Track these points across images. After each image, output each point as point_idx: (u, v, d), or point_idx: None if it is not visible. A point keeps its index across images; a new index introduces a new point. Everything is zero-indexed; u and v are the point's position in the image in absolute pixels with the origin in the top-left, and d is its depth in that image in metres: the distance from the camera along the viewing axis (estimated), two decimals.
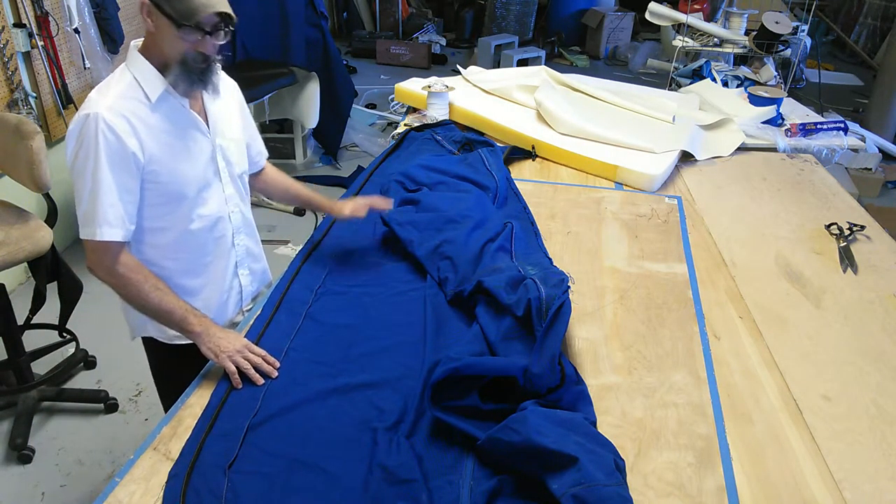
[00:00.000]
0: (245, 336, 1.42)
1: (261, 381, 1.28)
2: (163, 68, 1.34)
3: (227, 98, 1.52)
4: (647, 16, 4.28)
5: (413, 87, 2.87)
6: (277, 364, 1.32)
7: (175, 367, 1.51)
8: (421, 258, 1.70)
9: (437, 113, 2.69)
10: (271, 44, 4.12)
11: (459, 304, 1.56)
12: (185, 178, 1.40)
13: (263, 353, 1.32)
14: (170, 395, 1.39)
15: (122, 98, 1.31)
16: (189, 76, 1.33)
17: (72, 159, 1.32)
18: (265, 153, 1.72)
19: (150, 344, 1.60)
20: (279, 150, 4.47)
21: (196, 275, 1.51)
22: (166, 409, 1.58)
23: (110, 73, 1.37)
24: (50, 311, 2.35)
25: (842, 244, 1.94)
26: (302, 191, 1.76)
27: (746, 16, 3.97)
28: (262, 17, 4.07)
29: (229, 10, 1.29)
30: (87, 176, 1.29)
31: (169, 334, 1.52)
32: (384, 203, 1.72)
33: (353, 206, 1.67)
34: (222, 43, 1.35)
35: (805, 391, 1.39)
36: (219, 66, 1.40)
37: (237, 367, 1.28)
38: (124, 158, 1.30)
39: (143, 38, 1.37)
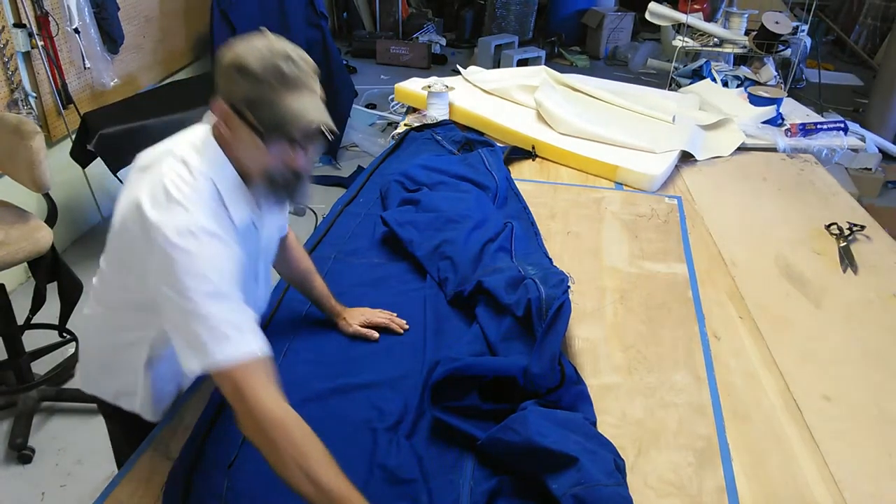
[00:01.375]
0: None
1: None
2: (242, 175, 1.09)
3: None
4: (647, 16, 4.28)
5: (413, 87, 2.87)
6: None
7: (137, 435, 1.25)
8: (421, 258, 1.70)
9: (437, 113, 2.68)
10: None
11: (459, 305, 1.56)
12: (242, 289, 1.12)
13: None
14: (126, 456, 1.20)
15: (211, 216, 1.02)
16: (275, 194, 1.08)
17: (176, 282, 0.97)
18: (287, 221, 1.41)
19: (123, 416, 1.26)
20: None
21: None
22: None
23: (185, 161, 1.04)
24: (50, 311, 2.35)
25: (842, 244, 1.94)
26: (317, 285, 1.47)
27: (746, 16, 3.97)
28: (262, 18, 4.06)
29: (328, 119, 1.03)
30: (200, 294, 0.97)
31: (155, 412, 1.27)
32: (395, 325, 1.50)
33: (359, 331, 1.46)
34: (315, 154, 1.10)
35: (805, 391, 1.39)
36: (309, 179, 1.12)
37: None
38: (229, 265, 1.02)
39: (214, 121, 1.08)
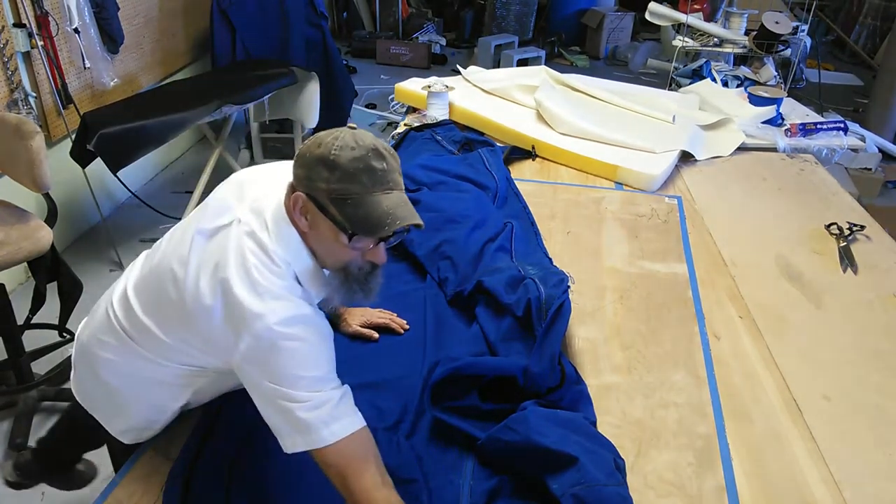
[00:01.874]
0: None
1: None
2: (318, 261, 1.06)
3: None
4: (647, 16, 4.28)
5: (413, 87, 2.87)
6: None
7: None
8: (421, 258, 1.70)
9: (437, 113, 2.68)
10: (271, 44, 4.11)
11: (459, 304, 1.56)
12: None
13: None
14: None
15: (296, 297, 1.00)
16: (350, 287, 1.06)
17: (273, 373, 0.97)
18: None
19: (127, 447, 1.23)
20: (279, 150, 4.47)
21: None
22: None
23: (264, 247, 1.00)
24: (50, 311, 2.35)
25: (842, 244, 1.94)
26: None
27: (746, 16, 3.97)
28: (262, 17, 4.06)
29: (418, 218, 1.01)
30: (301, 384, 0.97)
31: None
32: (396, 325, 1.50)
33: (359, 331, 1.46)
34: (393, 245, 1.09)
35: (805, 391, 1.39)
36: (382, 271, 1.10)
37: None
38: (328, 347, 1.03)
39: (287, 206, 1.03)
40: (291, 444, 0.98)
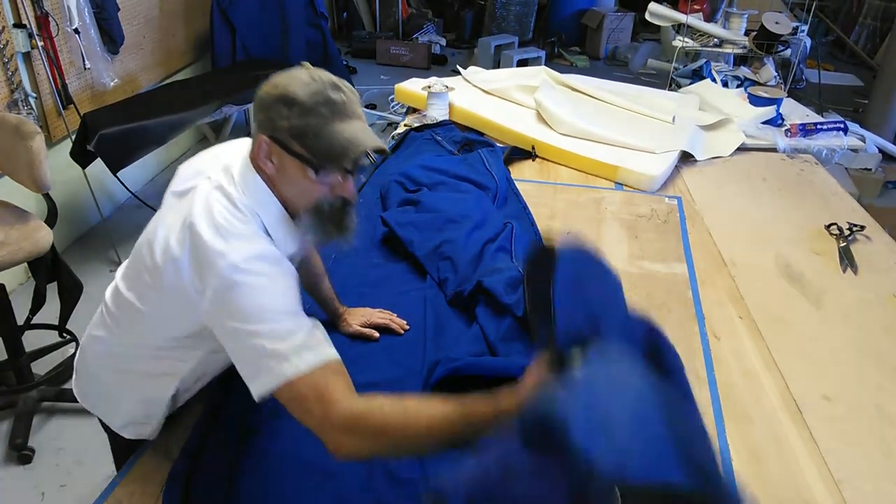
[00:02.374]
0: None
1: None
2: (287, 210, 1.06)
3: None
4: (647, 16, 4.28)
5: (413, 87, 2.87)
6: None
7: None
8: (421, 258, 1.70)
9: (436, 113, 2.69)
10: (271, 44, 4.12)
11: (459, 305, 1.56)
12: None
13: None
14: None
15: (263, 244, 1.00)
16: (323, 227, 1.06)
17: (237, 311, 0.94)
18: None
19: (125, 439, 1.23)
20: None
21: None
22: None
23: (228, 194, 1.02)
24: (50, 311, 2.35)
25: (842, 244, 1.94)
26: (324, 287, 1.45)
27: (746, 16, 3.97)
28: (262, 18, 4.07)
29: (380, 142, 1.02)
30: (266, 312, 0.95)
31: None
32: (396, 325, 1.49)
33: (360, 331, 1.46)
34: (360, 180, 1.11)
35: (805, 391, 1.39)
36: (355, 209, 1.11)
37: None
38: (294, 284, 1.01)
39: (253, 156, 1.05)
40: (260, 385, 0.94)
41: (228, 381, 1.29)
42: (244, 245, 0.96)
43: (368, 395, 0.95)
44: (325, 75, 1.01)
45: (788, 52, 3.83)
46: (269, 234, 1.02)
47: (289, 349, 0.93)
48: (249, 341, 0.94)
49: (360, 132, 1.01)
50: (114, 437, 1.27)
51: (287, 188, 1.04)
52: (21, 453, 2.21)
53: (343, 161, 1.00)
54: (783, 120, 2.80)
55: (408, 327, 1.49)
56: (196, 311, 0.99)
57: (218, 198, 1.00)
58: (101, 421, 1.27)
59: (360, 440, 0.91)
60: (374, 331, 1.46)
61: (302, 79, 0.99)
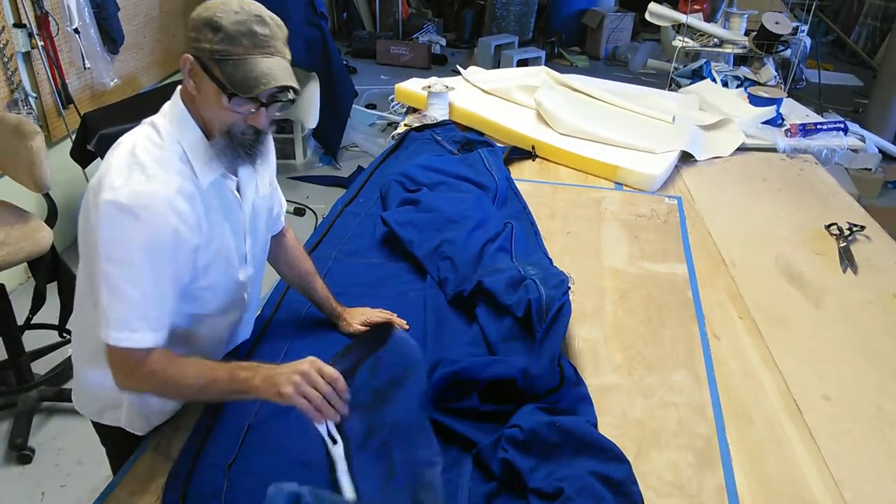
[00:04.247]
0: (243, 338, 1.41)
1: (335, 417, 1.00)
2: (206, 133, 1.10)
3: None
4: (647, 16, 4.28)
5: (413, 87, 2.87)
6: (346, 394, 1.02)
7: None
8: (421, 258, 1.70)
9: (437, 113, 2.68)
10: None
11: (459, 305, 1.56)
12: (222, 267, 1.17)
13: (333, 374, 1.02)
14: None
15: (176, 176, 1.05)
16: (234, 151, 1.09)
17: (107, 244, 1.01)
18: (284, 211, 1.42)
19: (112, 433, 1.26)
20: (279, 151, 4.47)
21: (195, 353, 1.20)
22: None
23: (154, 124, 1.09)
24: (50, 311, 2.35)
25: (842, 244, 1.94)
26: (318, 287, 1.46)
27: (746, 16, 3.96)
28: None
29: (294, 82, 1.05)
30: (126, 268, 1.01)
31: (143, 425, 1.23)
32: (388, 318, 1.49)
33: (360, 330, 1.45)
34: (277, 114, 1.12)
35: (805, 391, 1.39)
36: (269, 137, 1.17)
37: (311, 397, 0.99)
38: (178, 248, 1.05)
39: (181, 90, 1.11)
40: (100, 332, 1.04)
41: None
42: (139, 180, 1.01)
43: (158, 363, 1.05)
44: (254, 7, 1.04)
45: (788, 52, 3.83)
46: (188, 158, 1.07)
47: (116, 318, 1.02)
48: (100, 282, 1.02)
49: (276, 68, 1.03)
50: (104, 435, 1.31)
51: (204, 109, 1.08)
52: (21, 453, 2.21)
53: (254, 93, 1.02)
54: (783, 120, 2.79)
55: (408, 327, 1.49)
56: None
57: (146, 131, 1.08)
58: (93, 423, 1.29)
59: (144, 386, 1.06)
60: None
61: (232, 7, 1.02)
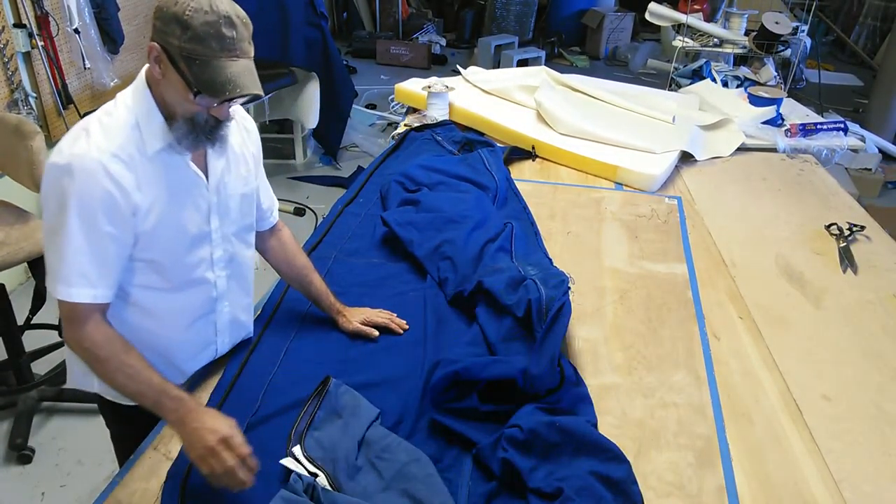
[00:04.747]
0: (244, 336, 1.42)
1: (239, 488, 1.05)
2: (166, 115, 1.13)
3: (239, 144, 1.27)
4: (647, 16, 4.28)
5: (413, 87, 2.87)
6: (256, 467, 1.06)
7: (134, 429, 1.28)
8: (421, 258, 1.70)
9: (437, 113, 2.68)
10: (271, 44, 4.11)
11: (459, 305, 1.56)
12: (173, 239, 1.18)
13: (245, 450, 1.05)
14: (128, 455, 1.21)
15: (117, 141, 1.08)
16: (196, 136, 1.13)
17: (47, 202, 1.08)
18: (275, 206, 1.44)
19: (101, 401, 1.33)
20: (279, 151, 4.47)
21: (166, 338, 1.26)
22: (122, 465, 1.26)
23: (115, 99, 1.14)
24: (50, 311, 2.35)
25: (842, 244, 1.94)
26: (315, 282, 1.46)
27: (746, 16, 3.96)
28: (261, 18, 4.05)
29: (259, 89, 1.08)
30: (62, 225, 1.06)
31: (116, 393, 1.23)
32: (395, 325, 1.49)
33: (360, 328, 1.45)
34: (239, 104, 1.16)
35: (805, 391, 1.39)
36: (230, 123, 1.19)
37: (213, 470, 1.04)
38: (111, 209, 1.07)
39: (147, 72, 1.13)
40: (51, 286, 1.10)
41: (228, 380, 1.30)
42: (87, 142, 1.06)
43: (108, 331, 1.11)
44: (223, 7, 1.04)
45: (788, 52, 3.83)
46: (139, 126, 1.11)
47: (55, 272, 1.08)
48: (45, 237, 1.10)
49: (242, 75, 1.06)
50: (107, 417, 1.38)
51: (167, 95, 1.11)
52: (21, 453, 2.21)
53: (219, 96, 1.06)
54: (783, 120, 2.79)
55: (407, 327, 1.49)
56: None
57: (106, 104, 1.13)
58: (97, 403, 1.34)
59: (82, 354, 1.11)
60: (373, 329, 1.46)
61: (202, 5, 1.03)
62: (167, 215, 1.15)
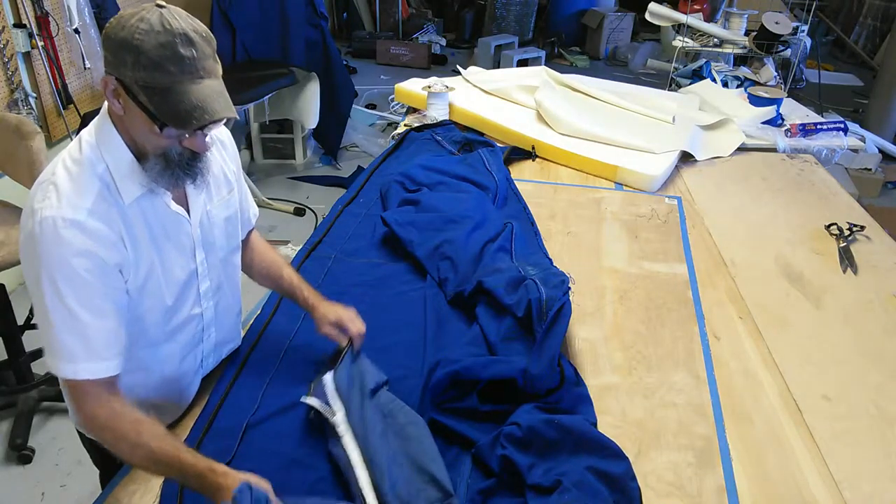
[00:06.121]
0: (245, 335, 1.41)
1: None
2: (136, 154, 1.01)
3: (217, 164, 1.16)
4: (647, 16, 4.28)
5: (413, 87, 2.87)
6: None
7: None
8: (421, 258, 1.70)
9: (437, 113, 2.68)
10: (271, 44, 4.11)
11: (459, 305, 1.56)
12: (162, 289, 1.09)
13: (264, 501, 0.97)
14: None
15: (90, 197, 0.97)
16: (172, 172, 1.00)
17: (27, 272, 1.00)
18: (255, 216, 1.34)
19: (95, 449, 1.26)
20: (279, 151, 4.47)
21: (154, 388, 1.19)
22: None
23: (79, 138, 1.03)
24: None
25: (842, 244, 1.94)
26: (285, 276, 1.36)
27: (746, 16, 3.97)
28: (262, 18, 4.06)
29: (231, 110, 0.97)
30: (53, 298, 0.96)
31: None
32: (358, 332, 1.32)
33: (332, 331, 1.31)
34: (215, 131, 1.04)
35: (805, 391, 1.39)
36: (209, 154, 1.08)
37: None
38: (96, 270, 0.97)
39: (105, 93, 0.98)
40: (49, 363, 1.01)
41: (229, 378, 1.30)
42: (61, 204, 0.95)
43: (120, 408, 1.01)
44: (177, 23, 0.92)
45: (788, 52, 3.83)
46: (111, 175, 0.99)
47: (52, 348, 0.98)
48: (35, 307, 1.00)
49: (209, 98, 0.93)
50: (91, 445, 1.27)
51: (133, 131, 0.99)
52: (21, 453, 2.21)
53: (187, 126, 0.94)
54: (783, 120, 2.79)
55: (364, 330, 1.34)
56: None
57: (71, 149, 1.02)
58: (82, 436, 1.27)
59: (94, 437, 1.04)
60: (343, 337, 1.31)
61: (152, 25, 0.90)
62: (154, 266, 1.06)
